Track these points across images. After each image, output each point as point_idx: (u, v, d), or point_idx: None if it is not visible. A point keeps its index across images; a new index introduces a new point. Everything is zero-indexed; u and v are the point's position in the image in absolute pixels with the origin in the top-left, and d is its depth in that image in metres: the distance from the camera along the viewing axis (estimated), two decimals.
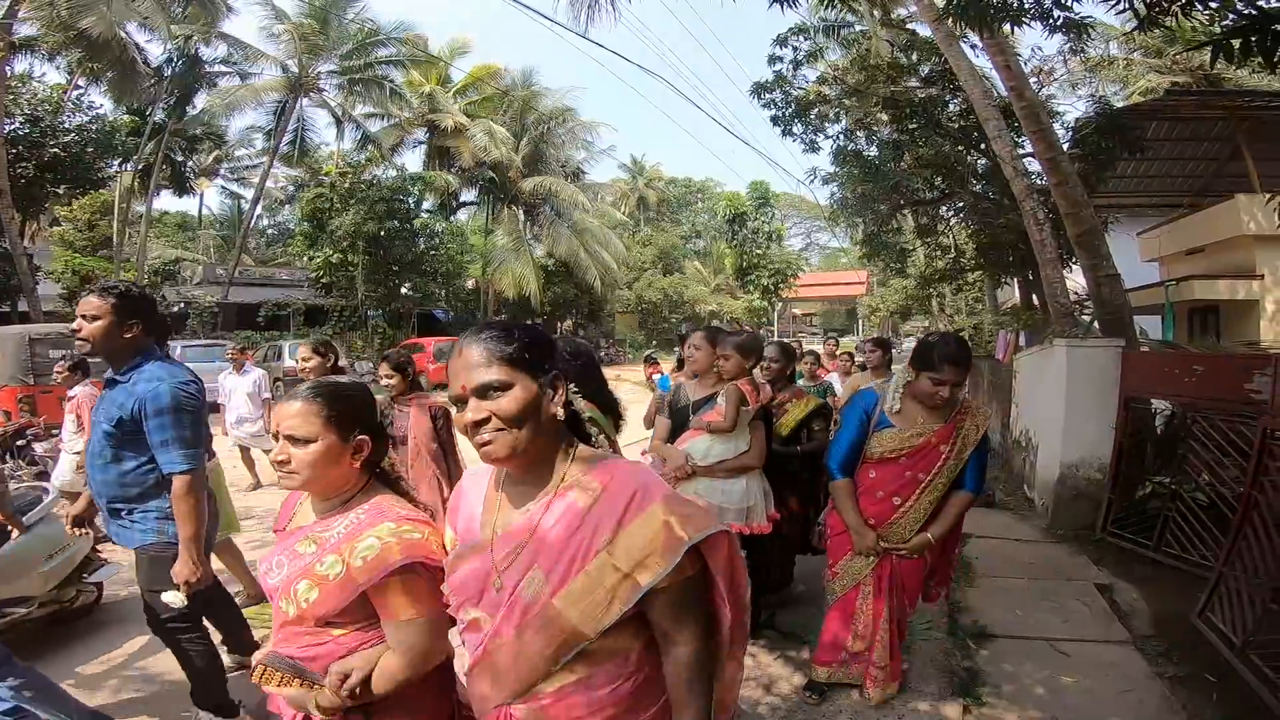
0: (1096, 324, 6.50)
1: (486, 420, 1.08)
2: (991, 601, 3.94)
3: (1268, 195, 6.80)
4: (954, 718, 2.79)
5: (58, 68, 18.62)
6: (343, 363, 4.21)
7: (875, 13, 12.32)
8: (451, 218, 28.21)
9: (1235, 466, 3.89)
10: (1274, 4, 3.82)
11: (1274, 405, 3.42)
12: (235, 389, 7.15)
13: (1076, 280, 8.86)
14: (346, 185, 20.59)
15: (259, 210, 29.78)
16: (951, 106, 10.87)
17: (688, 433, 3.23)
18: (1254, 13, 3.19)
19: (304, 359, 3.79)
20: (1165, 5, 3.62)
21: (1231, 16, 3.65)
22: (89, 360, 3.97)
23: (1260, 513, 3.23)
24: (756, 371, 3.39)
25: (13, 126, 14.86)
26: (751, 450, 3.12)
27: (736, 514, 3.06)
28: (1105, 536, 4.94)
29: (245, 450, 7.21)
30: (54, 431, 6.90)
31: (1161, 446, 5.04)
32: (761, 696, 2.98)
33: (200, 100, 21.85)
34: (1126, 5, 3.68)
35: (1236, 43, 2.94)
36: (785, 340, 5.23)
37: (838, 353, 7.43)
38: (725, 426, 3.05)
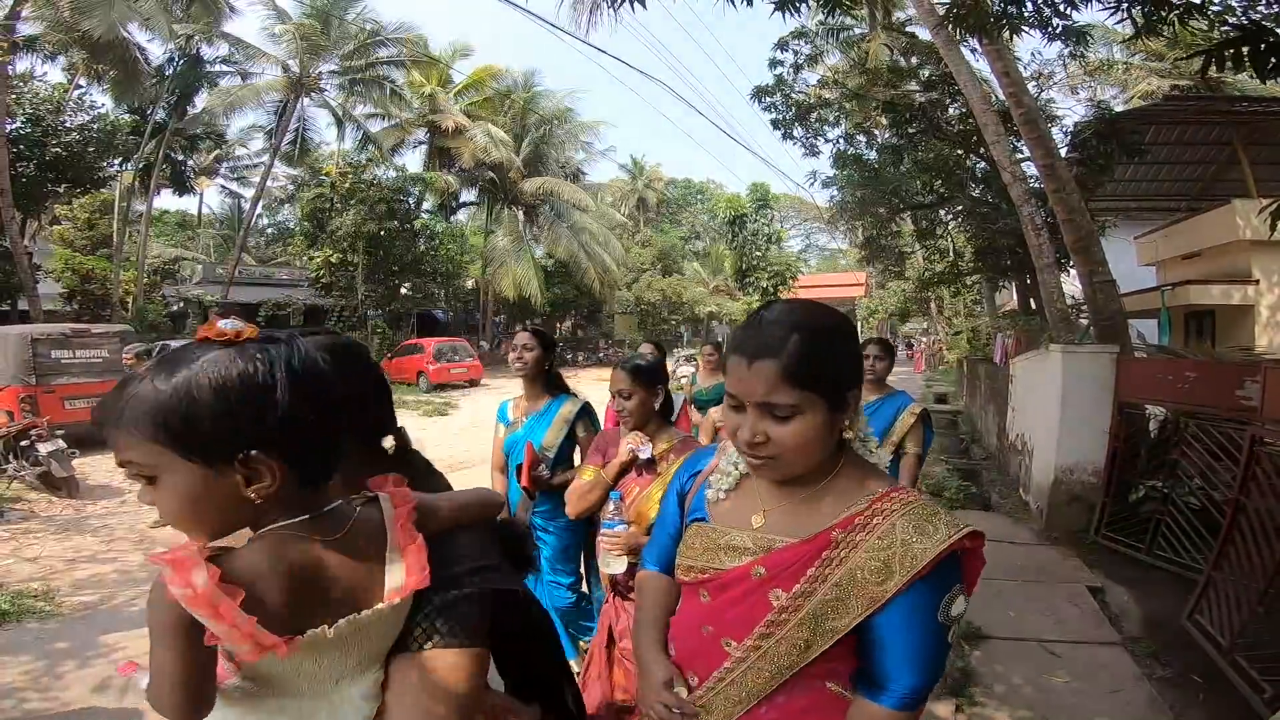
0: (1092, 329, 6.56)
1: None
2: (985, 603, 3.99)
3: (1262, 201, 6.87)
4: (945, 717, 2.85)
5: (62, 69, 18.67)
6: None
7: (877, 13, 12.41)
8: (451, 218, 28.28)
9: (1227, 471, 3.95)
10: (1266, 15, 3.90)
11: (1263, 413, 3.48)
12: None
13: (1074, 284, 8.93)
14: (347, 185, 20.63)
15: (259, 210, 29.82)
16: (951, 111, 10.94)
17: None
18: (1247, 23, 3.27)
19: None
20: (1163, 14, 3.69)
21: (1230, 24, 3.72)
22: None
23: (1248, 518, 3.29)
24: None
25: (14, 126, 14.89)
26: None
27: None
28: (1099, 539, 5.01)
29: None
30: (57, 432, 6.95)
31: (1155, 451, 5.10)
32: None
33: (201, 100, 21.89)
34: (1125, 14, 3.74)
35: (1229, 53, 3.01)
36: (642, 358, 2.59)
37: None
38: None
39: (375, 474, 0.96)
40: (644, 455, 2.20)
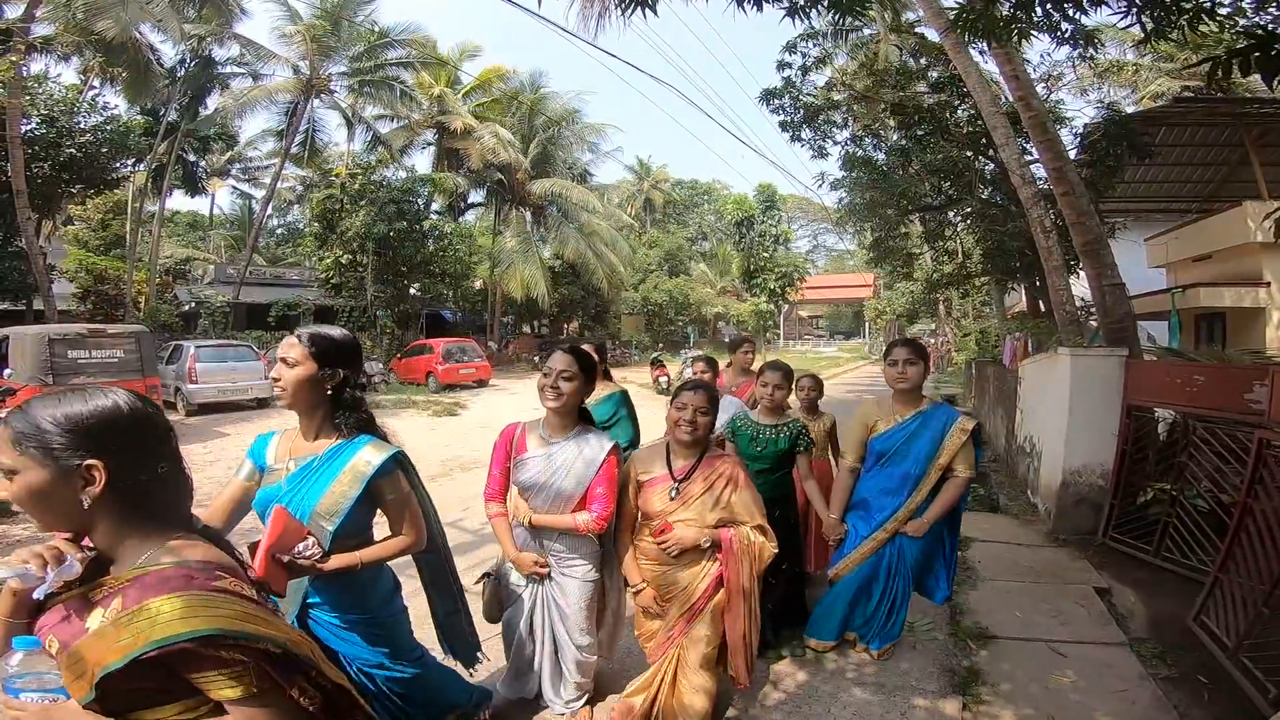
0: (1102, 332, 6.56)
1: None
2: (993, 604, 4.02)
3: (1273, 205, 6.85)
4: (953, 714, 2.88)
5: (75, 70, 18.89)
6: None
7: (886, 15, 12.40)
8: (460, 219, 28.40)
9: (1235, 474, 3.96)
10: (1277, 18, 3.91)
11: (1271, 416, 3.50)
12: None
13: (1083, 287, 8.91)
14: (356, 186, 20.75)
15: (269, 210, 30.05)
16: (960, 112, 10.94)
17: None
18: (1259, 28, 3.29)
19: None
20: (1172, 19, 3.71)
21: (1240, 27, 3.72)
22: None
23: (1255, 520, 3.31)
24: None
25: (30, 127, 15.06)
26: None
27: None
28: (1107, 541, 5.02)
29: None
30: None
31: (1163, 454, 5.10)
32: (769, 691, 3.08)
33: (213, 101, 22.12)
34: (1134, 19, 3.76)
35: (1237, 62, 3.03)
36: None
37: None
38: None
39: None
40: (47, 585, 1.11)
